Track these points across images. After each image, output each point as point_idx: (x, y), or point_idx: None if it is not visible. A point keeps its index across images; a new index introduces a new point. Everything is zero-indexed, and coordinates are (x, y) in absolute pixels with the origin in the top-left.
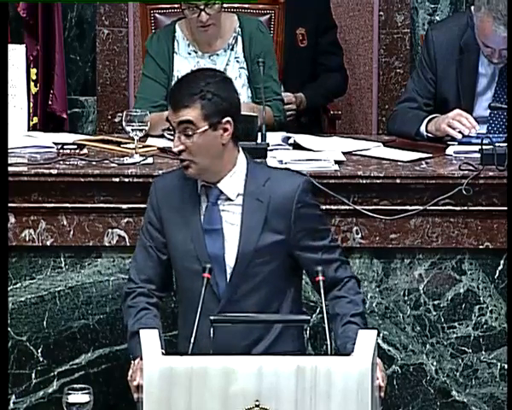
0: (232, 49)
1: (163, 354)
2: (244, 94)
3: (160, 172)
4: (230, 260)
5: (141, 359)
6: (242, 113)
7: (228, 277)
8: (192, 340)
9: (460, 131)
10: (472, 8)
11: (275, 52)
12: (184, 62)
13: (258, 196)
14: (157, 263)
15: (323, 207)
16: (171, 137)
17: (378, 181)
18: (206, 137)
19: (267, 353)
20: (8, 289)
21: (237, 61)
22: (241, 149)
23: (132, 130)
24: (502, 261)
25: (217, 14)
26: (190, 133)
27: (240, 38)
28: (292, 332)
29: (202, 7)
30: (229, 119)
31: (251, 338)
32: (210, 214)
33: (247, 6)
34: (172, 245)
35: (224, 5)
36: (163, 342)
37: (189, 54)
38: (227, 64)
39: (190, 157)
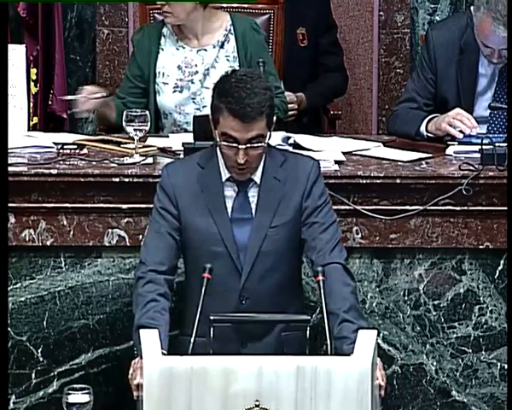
0: (222, 47)
1: (164, 353)
2: None
3: (161, 172)
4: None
5: (141, 357)
6: None
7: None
8: (192, 340)
9: (461, 131)
10: (472, 8)
11: (274, 52)
12: (171, 58)
13: (275, 175)
14: (169, 245)
15: None
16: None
17: (378, 181)
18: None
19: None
20: (8, 289)
21: (227, 60)
22: None
23: (132, 130)
24: (502, 261)
25: (177, 7)
26: (259, 145)
27: (232, 38)
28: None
29: None
30: (275, 118)
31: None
32: (241, 204)
33: (246, 6)
34: (193, 229)
35: (223, 5)
36: (167, 338)
37: (178, 49)
38: (216, 61)
39: (252, 164)
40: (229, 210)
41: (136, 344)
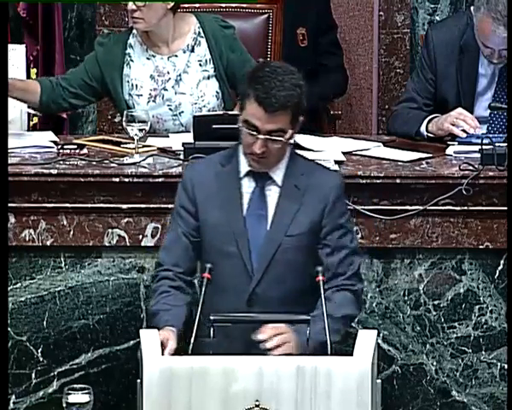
0: (193, 51)
1: (180, 330)
2: (210, 96)
3: (161, 172)
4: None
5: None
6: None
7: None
8: (192, 340)
9: (464, 130)
10: (472, 8)
11: (274, 52)
12: (142, 69)
13: (296, 183)
14: (185, 247)
15: None
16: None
17: (378, 181)
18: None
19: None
20: (8, 289)
21: (200, 65)
22: None
23: (132, 130)
24: (502, 261)
25: (148, 12)
26: (279, 139)
27: (203, 40)
28: None
29: None
30: (302, 118)
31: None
32: (257, 199)
33: (245, 5)
34: (209, 227)
35: (222, 5)
36: (181, 319)
37: (148, 59)
38: (187, 66)
39: (269, 158)
40: (245, 206)
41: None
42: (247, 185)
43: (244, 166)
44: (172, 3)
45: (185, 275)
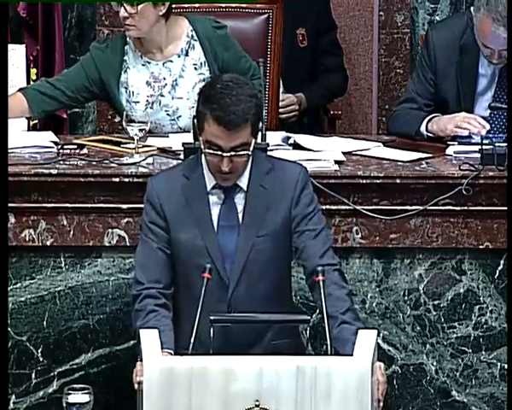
0: (187, 55)
1: (171, 354)
2: None
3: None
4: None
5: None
6: None
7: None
8: (192, 340)
9: (468, 131)
10: (472, 8)
11: (273, 52)
12: (138, 75)
13: (261, 183)
14: (162, 262)
15: (323, 207)
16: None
17: (378, 181)
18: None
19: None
20: (8, 289)
21: (195, 68)
22: None
23: (132, 130)
24: (502, 261)
25: (140, 19)
26: (243, 153)
27: (197, 44)
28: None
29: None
30: (261, 124)
31: (252, 335)
32: (227, 211)
33: (244, 6)
34: (179, 241)
35: (222, 5)
36: (172, 340)
37: (143, 65)
38: (182, 70)
39: (237, 172)
40: (215, 218)
41: (140, 353)
42: (216, 198)
43: (210, 180)
44: (165, 10)
45: (166, 290)
